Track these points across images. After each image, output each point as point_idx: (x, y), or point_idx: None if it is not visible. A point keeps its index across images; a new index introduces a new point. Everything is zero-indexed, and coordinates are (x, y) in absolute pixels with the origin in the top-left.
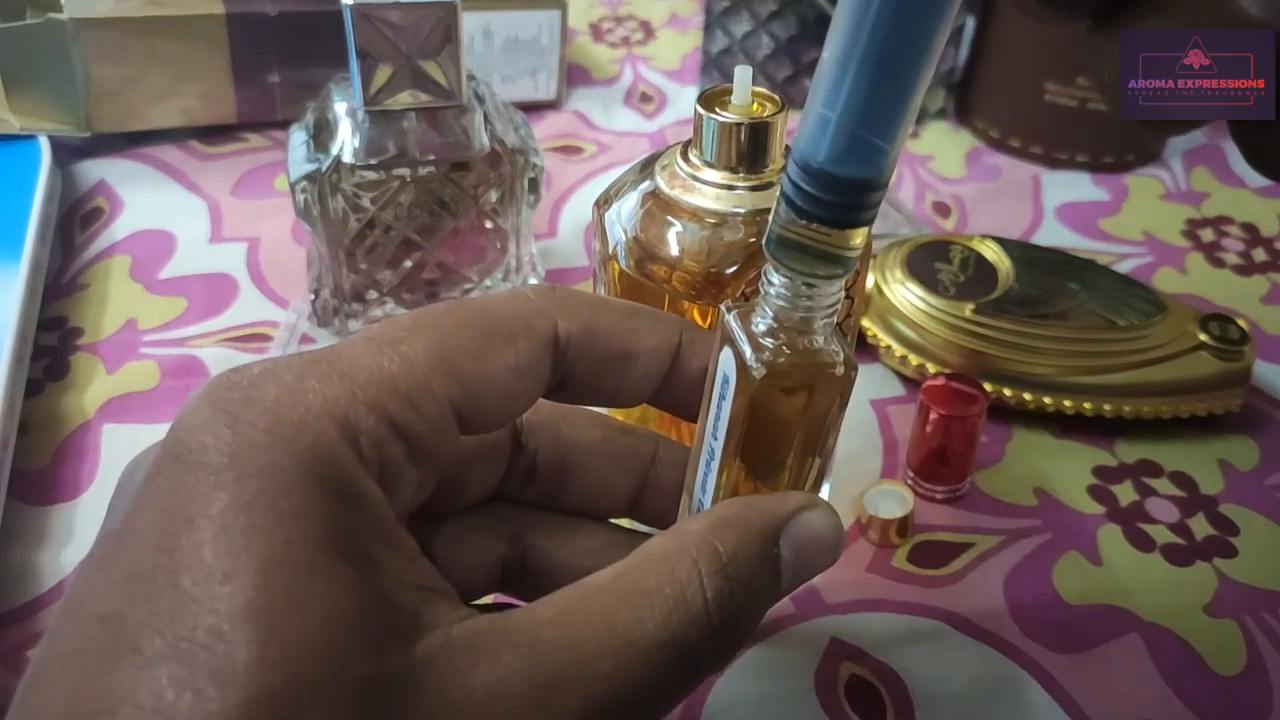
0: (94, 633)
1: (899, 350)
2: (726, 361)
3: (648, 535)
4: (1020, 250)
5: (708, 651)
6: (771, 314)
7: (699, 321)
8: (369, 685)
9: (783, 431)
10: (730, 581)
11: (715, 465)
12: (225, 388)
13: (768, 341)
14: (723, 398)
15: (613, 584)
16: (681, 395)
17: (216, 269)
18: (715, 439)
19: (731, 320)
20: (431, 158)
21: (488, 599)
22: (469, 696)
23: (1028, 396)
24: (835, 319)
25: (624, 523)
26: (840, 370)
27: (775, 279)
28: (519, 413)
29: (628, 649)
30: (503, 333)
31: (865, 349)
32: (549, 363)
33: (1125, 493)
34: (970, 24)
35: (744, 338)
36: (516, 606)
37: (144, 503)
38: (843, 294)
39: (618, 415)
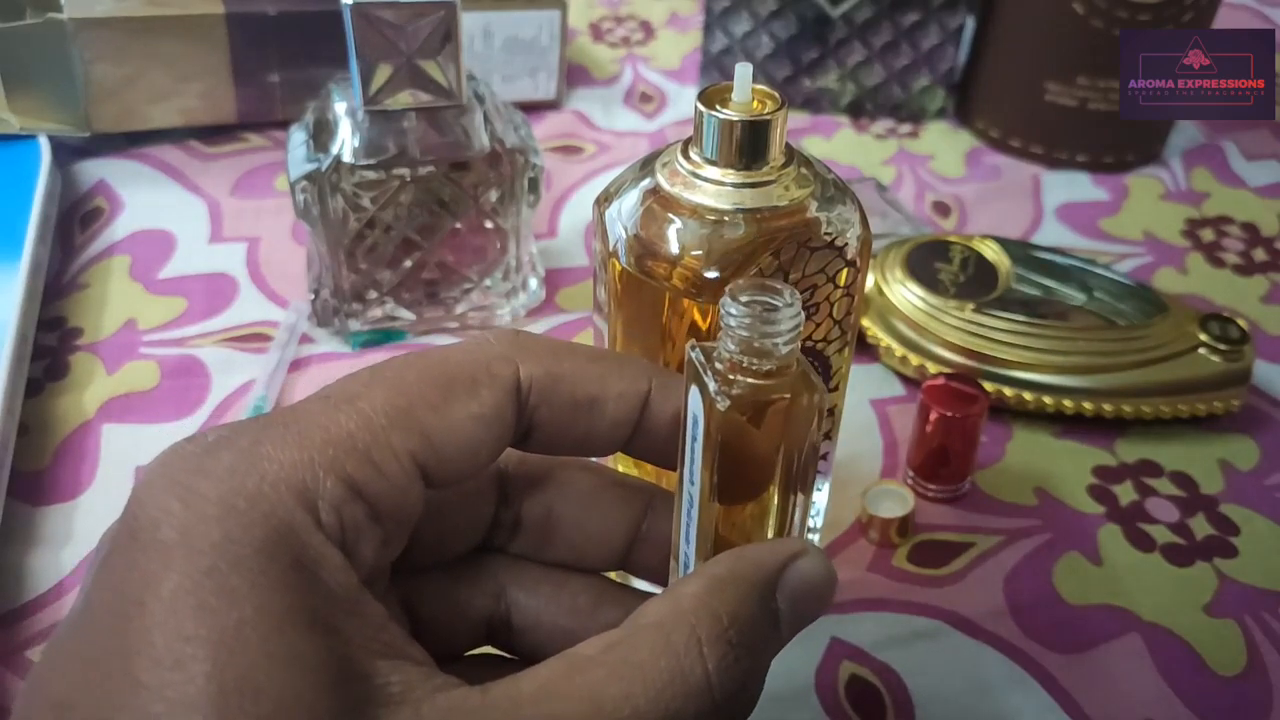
0: None
1: (899, 350)
2: (695, 401)
3: (639, 590)
4: (1020, 250)
5: None
6: (734, 345)
7: (699, 321)
8: None
9: (759, 467)
10: (735, 648)
11: (695, 512)
12: (178, 457)
13: (732, 374)
14: (694, 439)
15: (601, 656)
16: (657, 443)
17: (216, 269)
18: (692, 484)
19: (696, 357)
20: (431, 158)
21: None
22: None
23: (1028, 396)
24: (798, 343)
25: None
26: (808, 396)
27: (734, 309)
28: (486, 463)
29: None
30: (464, 381)
31: (865, 349)
32: (513, 409)
33: (1125, 493)
34: (970, 24)
35: (708, 372)
36: (504, 658)
37: (100, 582)
38: (802, 317)
39: (631, 469)
